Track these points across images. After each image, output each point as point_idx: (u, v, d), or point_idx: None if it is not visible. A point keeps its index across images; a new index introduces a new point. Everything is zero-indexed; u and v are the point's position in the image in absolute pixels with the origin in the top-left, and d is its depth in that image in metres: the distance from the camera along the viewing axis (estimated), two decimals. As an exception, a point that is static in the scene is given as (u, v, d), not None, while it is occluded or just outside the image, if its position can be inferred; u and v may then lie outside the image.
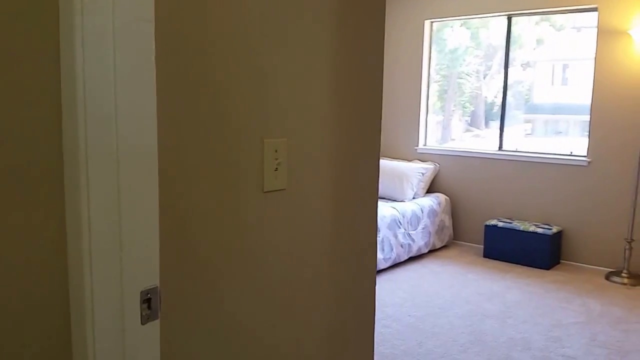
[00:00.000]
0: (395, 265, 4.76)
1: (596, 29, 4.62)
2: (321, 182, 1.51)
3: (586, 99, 4.83)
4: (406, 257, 4.86)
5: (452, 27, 5.87)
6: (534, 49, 6.11)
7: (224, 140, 1.22)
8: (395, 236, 4.72)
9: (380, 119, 1.73)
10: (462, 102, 6.55)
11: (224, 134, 1.22)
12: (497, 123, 5.62)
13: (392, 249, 4.65)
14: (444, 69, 6.07)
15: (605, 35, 4.54)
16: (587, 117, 4.80)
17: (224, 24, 1.18)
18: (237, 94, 1.24)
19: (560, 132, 7.20)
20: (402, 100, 5.85)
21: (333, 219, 1.56)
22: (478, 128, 6.80)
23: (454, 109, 6.41)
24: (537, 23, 5.88)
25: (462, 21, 5.81)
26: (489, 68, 6.35)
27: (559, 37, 6.08)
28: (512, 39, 5.18)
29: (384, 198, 5.36)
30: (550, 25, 6.00)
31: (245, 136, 1.27)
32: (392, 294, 4.10)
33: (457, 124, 6.63)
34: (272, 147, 1.35)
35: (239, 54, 1.22)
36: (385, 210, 4.73)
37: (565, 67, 7.19)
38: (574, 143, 5.60)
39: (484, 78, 6.43)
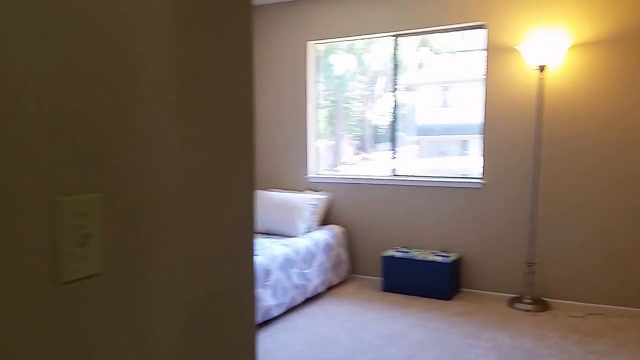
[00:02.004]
0: (291, 310, 4.28)
1: (485, 51, 4.52)
2: (165, 254, 1.00)
3: (470, 119, 4.72)
4: (302, 300, 4.39)
5: (337, 53, 5.70)
6: (416, 72, 6.25)
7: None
8: (289, 277, 4.24)
9: (253, 151, 1.25)
10: (350, 127, 6.59)
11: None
12: (385, 146, 5.62)
13: (286, 293, 4.16)
14: (332, 94, 5.92)
15: (495, 52, 4.45)
16: (467, 137, 4.71)
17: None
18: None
19: (444, 152, 7.34)
20: (289, 126, 5.46)
21: (190, 310, 1.05)
22: (366, 152, 6.87)
23: (342, 133, 6.37)
24: (417, 49, 5.99)
25: (347, 46, 5.65)
26: (373, 92, 6.40)
27: (439, 61, 6.22)
28: (395, 64, 5.02)
29: (274, 234, 4.88)
30: (430, 50, 6.12)
31: (17, 196, 0.74)
32: (287, 347, 3.60)
33: (347, 148, 6.64)
34: (73, 210, 0.83)
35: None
36: (276, 249, 4.25)
37: (445, 89, 7.40)
38: (469, 163, 5.77)
39: (369, 102, 6.50)
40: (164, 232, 0.99)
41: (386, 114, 5.61)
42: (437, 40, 5.75)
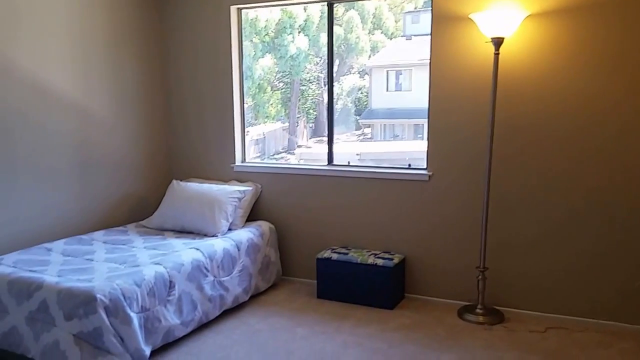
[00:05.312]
0: (203, 327, 3.58)
1: (430, 19, 3.86)
2: None
3: (424, 103, 4.06)
4: (218, 313, 3.70)
5: (291, 33, 5.33)
6: (370, 56, 6.27)
7: None
8: (201, 289, 3.53)
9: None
10: (306, 109, 6.58)
11: None
12: (341, 129, 5.54)
13: (195, 308, 3.46)
14: (286, 75, 5.62)
15: (442, 20, 3.78)
16: (421, 121, 4.15)
17: None
18: None
19: (397, 136, 7.08)
20: (213, 107, 4.71)
21: None
22: (323, 135, 7.01)
23: (298, 116, 6.27)
24: (370, 32, 5.93)
25: (299, 26, 5.27)
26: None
27: (393, 45, 6.39)
28: (349, 47, 4.56)
29: (190, 233, 4.15)
30: (382, 33, 6.18)
31: None
32: (189, 381, 2.91)
33: (303, 130, 6.75)
34: None
35: None
36: (184, 256, 3.52)
37: (399, 73, 7.48)
38: (422, 146, 5.68)
39: (325, 85, 6.49)
40: None
41: (339, 97, 5.49)
42: (391, 24, 5.93)
